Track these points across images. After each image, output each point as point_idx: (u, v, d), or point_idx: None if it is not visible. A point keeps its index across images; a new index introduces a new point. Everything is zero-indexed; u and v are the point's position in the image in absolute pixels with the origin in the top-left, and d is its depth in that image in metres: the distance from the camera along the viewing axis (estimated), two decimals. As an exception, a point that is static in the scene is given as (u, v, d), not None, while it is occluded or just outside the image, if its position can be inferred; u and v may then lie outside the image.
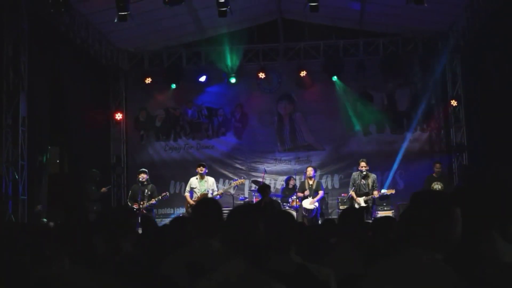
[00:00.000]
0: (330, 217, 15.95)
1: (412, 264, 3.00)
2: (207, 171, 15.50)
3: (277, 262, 3.86)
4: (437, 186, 15.31)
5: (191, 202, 14.79)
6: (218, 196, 15.09)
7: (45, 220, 13.48)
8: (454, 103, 18.15)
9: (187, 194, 15.17)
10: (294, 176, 16.27)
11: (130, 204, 15.18)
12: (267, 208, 13.22)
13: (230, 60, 18.31)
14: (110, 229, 4.75)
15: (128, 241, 4.85)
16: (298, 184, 16.09)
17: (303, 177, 16.30)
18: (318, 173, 17.74)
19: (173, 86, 18.60)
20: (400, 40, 18.45)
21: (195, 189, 15.09)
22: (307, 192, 15.30)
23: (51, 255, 5.30)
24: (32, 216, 13.55)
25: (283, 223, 4.30)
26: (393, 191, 15.15)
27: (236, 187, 16.98)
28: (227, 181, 18.26)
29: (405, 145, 18.22)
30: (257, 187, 16.09)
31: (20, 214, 12.74)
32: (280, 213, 5.66)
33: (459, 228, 3.03)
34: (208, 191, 14.95)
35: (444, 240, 3.01)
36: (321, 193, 15.58)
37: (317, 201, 15.35)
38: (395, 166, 17.92)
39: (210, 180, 15.35)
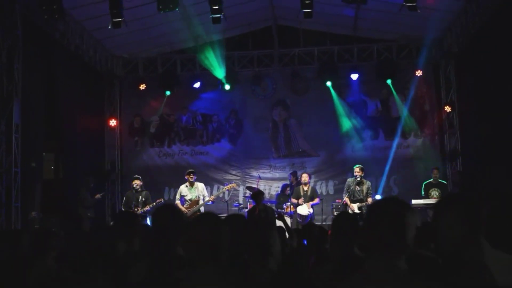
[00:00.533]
0: (324, 223, 15.94)
1: (378, 277, 2.97)
2: (196, 177, 15.44)
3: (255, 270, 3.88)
4: (434, 192, 15.34)
5: (183, 209, 14.74)
6: (211, 202, 15.08)
7: (37, 227, 13.45)
8: (448, 109, 18.20)
9: (178, 202, 15.09)
10: (289, 181, 16.27)
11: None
12: (260, 215, 13.21)
13: (224, 67, 18.30)
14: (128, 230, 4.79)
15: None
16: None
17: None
18: (313, 179, 17.74)
19: (168, 93, 18.59)
20: (394, 46, 18.51)
21: (185, 197, 15.02)
22: (301, 200, 15.26)
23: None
24: (26, 223, 13.51)
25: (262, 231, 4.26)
26: (387, 197, 15.11)
27: (229, 192, 16.95)
28: (221, 187, 18.25)
29: (399, 151, 18.26)
30: (251, 193, 16.10)
31: (13, 221, 12.69)
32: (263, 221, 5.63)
33: (412, 233, 3.00)
34: (199, 197, 14.91)
35: (401, 247, 2.99)
36: (316, 199, 15.58)
37: (312, 205, 15.32)
38: (388, 172, 17.96)
39: (200, 186, 15.27)
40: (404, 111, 18.32)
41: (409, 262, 2.95)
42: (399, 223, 2.97)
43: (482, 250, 3.17)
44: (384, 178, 17.90)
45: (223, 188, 16.64)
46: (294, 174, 16.56)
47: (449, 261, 3.15)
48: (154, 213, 4.87)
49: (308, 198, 15.38)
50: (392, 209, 3.03)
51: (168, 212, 4.72)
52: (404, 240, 2.96)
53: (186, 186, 15.08)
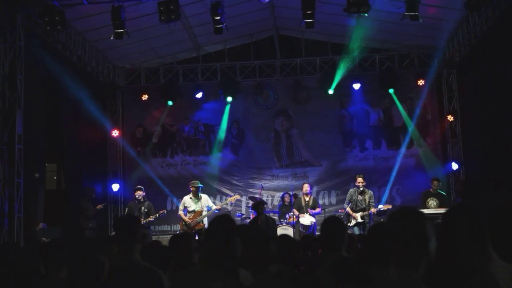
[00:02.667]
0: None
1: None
2: (202, 186, 15.37)
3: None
4: (432, 201, 15.25)
5: (186, 219, 14.68)
6: (216, 210, 15.01)
7: (44, 239, 13.44)
8: (450, 118, 18.20)
9: (181, 213, 15.01)
10: (290, 192, 16.21)
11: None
12: (262, 226, 13.15)
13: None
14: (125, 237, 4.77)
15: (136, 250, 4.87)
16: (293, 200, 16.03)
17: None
18: (315, 189, 17.72)
19: (170, 103, 18.58)
20: (396, 56, 18.52)
21: (188, 208, 14.93)
22: (301, 215, 15.21)
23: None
24: (33, 235, 13.51)
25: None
26: (389, 207, 15.06)
27: (231, 202, 16.89)
28: (224, 197, 18.23)
29: (401, 161, 18.25)
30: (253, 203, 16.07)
31: (16, 232, 12.68)
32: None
33: (432, 245, 3.02)
34: (202, 208, 14.84)
35: (419, 258, 3.00)
36: (318, 210, 15.56)
37: (313, 215, 15.27)
38: (391, 181, 17.94)
39: (204, 197, 15.13)
40: (410, 123, 18.29)
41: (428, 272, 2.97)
42: (421, 233, 3.00)
43: (489, 260, 3.17)
44: (389, 187, 17.89)
45: (227, 200, 16.58)
46: (288, 194, 16.36)
47: (456, 271, 3.13)
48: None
49: (309, 208, 15.36)
50: (414, 220, 3.05)
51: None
52: (426, 251, 2.97)
53: (190, 198, 14.96)
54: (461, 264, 3.18)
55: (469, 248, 3.20)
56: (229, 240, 3.84)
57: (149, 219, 14.91)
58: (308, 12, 13.51)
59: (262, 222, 13.45)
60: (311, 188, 16.21)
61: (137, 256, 4.77)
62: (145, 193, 15.47)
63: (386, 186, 17.94)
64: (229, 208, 16.97)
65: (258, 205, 13.81)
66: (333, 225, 5.27)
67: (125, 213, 15.63)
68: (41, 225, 14.14)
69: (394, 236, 3.04)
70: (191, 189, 14.99)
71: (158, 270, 4.55)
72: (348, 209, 14.82)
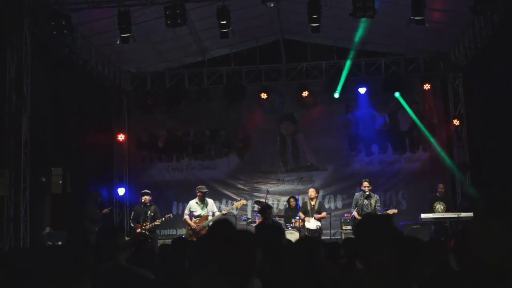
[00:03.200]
0: (333, 237, 15.91)
1: None
2: (207, 191, 15.35)
3: None
4: (439, 206, 15.24)
5: (192, 224, 14.68)
6: (222, 215, 14.99)
7: (49, 243, 13.46)
8: (456, 122, 18.15)
9: (186, 217, 15.01)
10: (296, 196, 16.20)
11: (132, 225, 15.12)
12: (269, 231, 13.01)
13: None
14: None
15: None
16: (300, 204, 16.01)
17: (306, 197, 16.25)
18: (321, 193, 17.69)
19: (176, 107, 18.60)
20: (401, 60, 18.51)
21: (194, 213, 14.90)
22: (307, 219, 15.21)
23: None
24: (39, 239, 13.52)
25: None
26: (395, 211, 15.04)
27: (237, 208, 16.85)
28: (229, 201, 18.23)
29: (407, 165, 18.25)
30: (259, 208, 16.03)
31: (22, 236, 12.70)
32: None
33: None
34: (208, 213, 14.81)
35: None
36: (324, 214, 15.53)
37: (320, 220, 15.25)
38: (396, 186, 17.96)
39: (210, 202, 15.12)
40: (412, 125, 18.29)
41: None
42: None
43: None
44: (393, 192, 17.90)
45: (233, 204, 16.51)
46: (294, 198, 16.32)
47: (490, 274, 3.10)
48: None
49: (315, 212, 15.37)
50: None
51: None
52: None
53: (197, 203, 14.94)
54: (496, 265, 3.15)
55: (506, 247, 3.16)
56: (251, 249, 3.85)
57: (155, 223, 14.90)
58: (314, 16, 13.51)
59: (270, 227, 13.33)
60: (317, 192, 16.20)
61: (122, 262, 4.81)
62: (151, 197, 15.50)
63: (391, 190, 17.92)
64: (234, 212, 16.92)
65: (265, 209, 13.64)
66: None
67: (131, 217, 15.60)
68: (48, 229, 14.16)
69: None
70: (198, 194, 14.98)
71: (146, 272, 4.60)
72: (354, 213, 14.81)
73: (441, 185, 15.76)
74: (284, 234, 7.58)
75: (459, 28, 16.16)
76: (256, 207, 16.64)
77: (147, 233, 14.72)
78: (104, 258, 4.71)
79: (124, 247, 4.90)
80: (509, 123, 13.95)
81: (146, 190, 15.54)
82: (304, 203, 15.72)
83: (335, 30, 17.24)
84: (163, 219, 15.04)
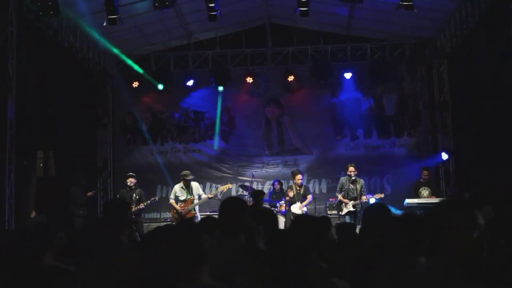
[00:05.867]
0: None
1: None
2: (192, 178, 15.31)
3: None
4: (424, 191, 15.34)
5: (178, 207, 14.67)
6: (208, 198, 15.01)
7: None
8: (441, 108, 18.24)
9: (172, 201, 14.98)
10: (282, 181, 16.26)
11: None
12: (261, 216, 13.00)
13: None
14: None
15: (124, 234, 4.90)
16: (285, 188, 16.03)
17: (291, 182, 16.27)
18: (306, 177, 17.76)
19: (160, 87, 18.44)
20: (387, 46, 18.55)
21: (179, 197, 14.91)
22: (291, 193, 15.23)
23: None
24: (24, 222, 13.43)
25: None
26: (382, 195, 15.12)
27: (222, 192, 16.81)
28: (213, 185, 18.23)
29: (392, 150, 18.36)
30: (244, 191, 16.04)
31: (7, 219, 12.60)
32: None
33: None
34: (193, 197, 14.79)
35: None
36: (309, 197, 15.53)
37: (306, 205, 15.32)
38: (381, 170, 18.06)
39: (194, 185, 15.06)
40: (397, 110, 18.42)
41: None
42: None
43: None
44: (377, 177, 18.01)
45: (218, 188, 16.48)
46: (279, 182, 16.38)
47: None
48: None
49: (301, 196, 15.38)
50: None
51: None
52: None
53: (182, 188, 14.93)
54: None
55: None
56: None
57: (140, 206, 14.89)
58: (303, 0, 13.49)
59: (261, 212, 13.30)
60: (303, 176, 16.23)
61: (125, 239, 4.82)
62: (136, 181, 15.46)
63: (377, 175, 18.02)
64: (219, 196, 16.90)
65: (258, 194, 13.56)
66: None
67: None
68: (33, 213, 14.06)
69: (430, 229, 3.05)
70: (182, 180, 14.95)
71: None
72: (340, 197, 14.89)
73: (425, 172, 15.84)
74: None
75: (445, 15, 16.20)
76: (241, 191, 16.67)
77: (133, 216, 14.67)
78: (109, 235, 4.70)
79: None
80: (494, 109, 14.04)
81: (131, 173, 15.50)
82: (289, 187, 15.72)
83: (322, 14, 17.20)
84: (149, 202, 15.08)
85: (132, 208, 14.42)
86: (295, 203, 15.25)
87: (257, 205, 12.90)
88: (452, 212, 3.03)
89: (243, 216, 4.50)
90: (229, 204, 4.73)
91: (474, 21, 14.88)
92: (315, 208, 16.26)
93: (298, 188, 15.52)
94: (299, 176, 15.73)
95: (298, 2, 13.59)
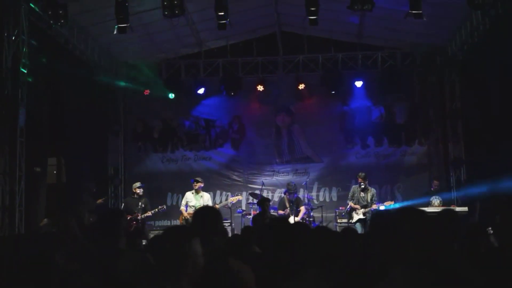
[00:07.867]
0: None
1: None
2: (202, 186, 15.36)
3: None
4: (435, 200, 15.29)
5: (186, 214, 14.72)
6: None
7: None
8: (452, 117, 18.15)
9: (182, 208, 15.04)
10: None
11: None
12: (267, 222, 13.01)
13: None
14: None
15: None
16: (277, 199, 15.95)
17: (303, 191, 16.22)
18: (316, 185, 17.76)
19: (171, 96, 18.50)
20: (398, 54, 18.51)
21: (190, 203, 14.95)
22: (287, 211, 15.16)
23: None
24: (35, 228, 13.47)
25: None
26: (392, 202, 15.08)
27: (232, 203, 16.77)
28: (224, 193, 18.25)
29: (403, 159, 18.28)
30: (254, 200, 16.02)
31: (17, 225, 12.65)
32: None
33: None
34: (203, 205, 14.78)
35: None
36: (302, 209, 15.34)
37: (301, 218, 15.13)
38: (392, 179, 17.99)
39: (206, 196, 15.19)
40: (408, 119, 18.33)
41: None
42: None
43: None
44: (388, 185, 17.94)
45: (228, 199, 16.48)
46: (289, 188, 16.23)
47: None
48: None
49: (294, 208, 15.20)
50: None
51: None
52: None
53: (192, 193, 15.03)
54: None
55: None
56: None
57: (147, 214, 14.89)
58: (312, 9, 13.47)
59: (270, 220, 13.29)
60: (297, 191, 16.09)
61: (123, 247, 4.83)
62: (146, 189, 15.46)
63: (387, 184, 17.96)
64: (229, 204, 16.85)
65: (264, 201, 13.54)
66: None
67: (122, 208, 15.56)
68: (45, 220, 14.09)
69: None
70: (194, 186, 15.01)
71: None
72: (350, 203, 14.90)
73: (436, 182, 15.86)
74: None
75: (456, 23, 16.15)
76: (251, 199, 16.66)
77: (137, 223, 14.62)
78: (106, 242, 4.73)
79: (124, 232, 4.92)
80: (505, 118, 13.96)
81: (138, 182, 15.43)
82: (282, 199, 15.76)
83: (332, 22, 17.21)
84: (156, 210, 15.02)
85: (138, 215, 14.58)
86: (289, 216, 14.94)
87: (264, 212, 12.89)
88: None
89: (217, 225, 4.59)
90: (202, 213, 4.85)
91: (485, 29, 14.83)
92: (322, 216, 16.22)
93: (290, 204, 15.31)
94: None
95: (307, 11, 13.55)
